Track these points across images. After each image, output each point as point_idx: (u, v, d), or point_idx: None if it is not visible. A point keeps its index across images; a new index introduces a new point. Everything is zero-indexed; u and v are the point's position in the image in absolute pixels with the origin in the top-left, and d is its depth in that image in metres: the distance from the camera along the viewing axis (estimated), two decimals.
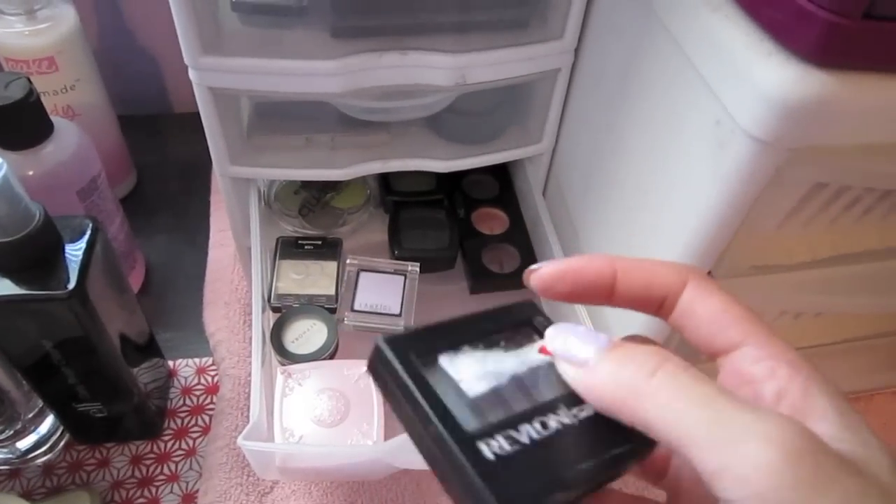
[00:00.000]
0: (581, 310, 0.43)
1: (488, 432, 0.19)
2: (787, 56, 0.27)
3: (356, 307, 0.45)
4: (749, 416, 0.18)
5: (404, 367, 0.20)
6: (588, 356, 0.21)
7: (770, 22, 0.28)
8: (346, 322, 0.45)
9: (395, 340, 0.20)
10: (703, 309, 0.22)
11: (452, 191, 0.53)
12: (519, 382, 0.21)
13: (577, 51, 0.44)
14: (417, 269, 0.47)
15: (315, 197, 0.52)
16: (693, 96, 0.32)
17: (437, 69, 0.41)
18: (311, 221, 0.51)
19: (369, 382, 0.42)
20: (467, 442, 0.19)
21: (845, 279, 0.40)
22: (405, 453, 0.37)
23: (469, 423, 0.19)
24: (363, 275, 0.47)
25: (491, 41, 0.41)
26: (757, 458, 0.17)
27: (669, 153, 0.36)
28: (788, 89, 0.27)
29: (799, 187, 0.32)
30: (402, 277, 0.47)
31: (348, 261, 0.47)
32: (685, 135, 0.34)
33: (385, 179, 0.53)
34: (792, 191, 0.33)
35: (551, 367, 0.21)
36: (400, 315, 0.45)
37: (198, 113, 0.42)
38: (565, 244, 0.48)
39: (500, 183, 0.54)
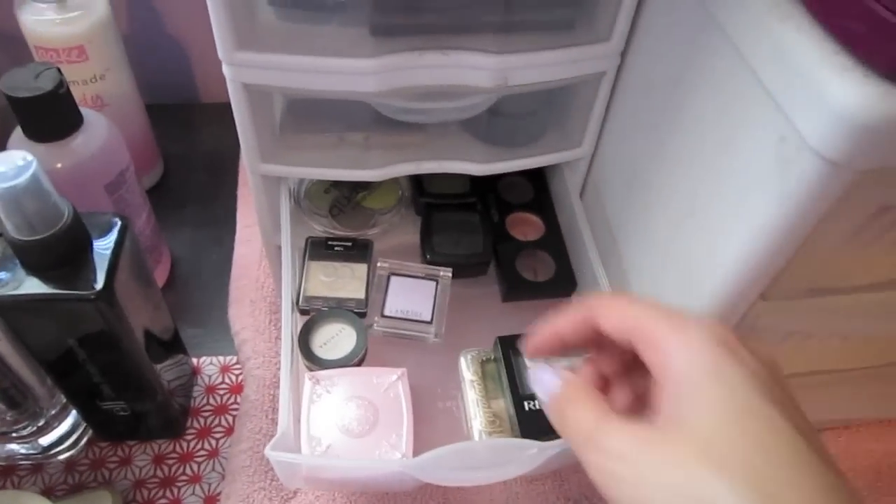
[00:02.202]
0: None
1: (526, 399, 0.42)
2: (865, 72, 0.26)
3: (387, 313, 0.44)
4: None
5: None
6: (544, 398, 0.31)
7: (846, 34, 0.26)
8: (375, 328, 0.44)
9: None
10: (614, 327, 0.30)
11: (486, 194, 0.51)
12: None
13: (623, 54, 0.42)
14: (450, 275, 0.46)
15: (346, 196, 0.51)
16: (755, 110, 0.31)
17: (478, 70, 0.39)
18: (341, 222, 0.50)
19: (399, 392, 0.40)
20: (518, 400, 0.41)
21: None
22: (434, 469, 0.36)
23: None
24: (394, 279, 0.45)
25: (535, 42, 0.40)
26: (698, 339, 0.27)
27: (723, 167, 0.34)
28: (866, 109, 0.25)
29: (864, 210, 0.31)
30: (434, 283, 0.45)
31: (379, 264, 0.46)
32: (743, 150, 0.32)
33: (418, 180, 0.51)
34: (856, 213, 0.31)
35: None
36: (431, 322, 0.44)
37: (226, 103, 0.41)
38: (602, 251, 0.46)
39: (536, 187, 0.53)
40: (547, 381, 0.31)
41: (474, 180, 0.51)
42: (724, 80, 0.33)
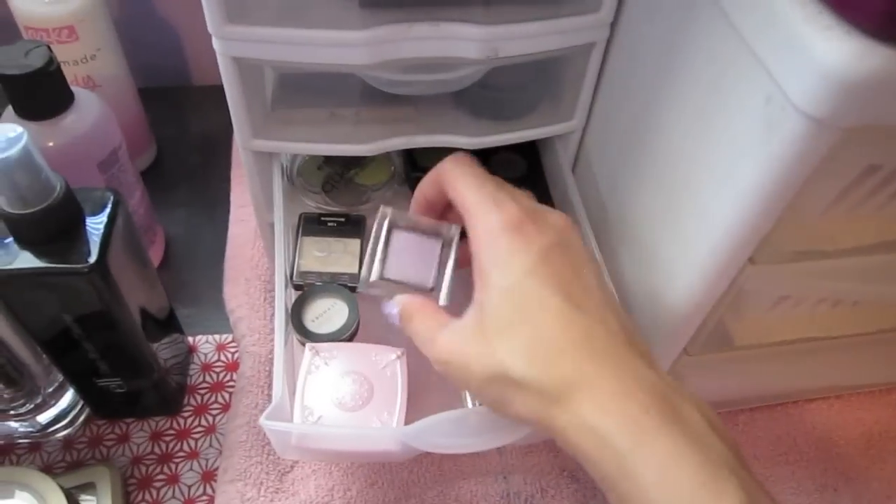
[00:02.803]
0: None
1: None
2: (848, 29, 0.26)
3: (388, 275, 0.37)
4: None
5: None
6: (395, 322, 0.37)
7: None
8: (370, 292, 0.38)
9: None
10: (452, 198, 0.35)
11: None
12: None
13: (613, 24, 0.42)
14: (458, 232, 0.38)
15: (338, 173, 0.51)
16: (741, 72, 0.31)
17: (468, 41, 0.39)
18: (334, 198, 0.50)
19: (396, 370, 0.41)
20: None
21: (888, 267, 0.38)
22: (425, 437, 0.36)
23: None
24: (396, 234, 0.38)
25: (524, 13, 0.40)
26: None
27: (712, 131, 0.34)
28: (849, 65, 0.25)
29: (850, 170, 0.31)
30: (439, 242, 0.38)
31: (381, 209, 0.38)
32: (732, 114, 0.32)
33: (410, 156, 0.51)
34: (842, 174, 0.31)
35: None
36: (432, 290, 0.37)
37: (218, 86, 0.41)
38: (594, 222, 0.46)
39: (529, 162, 0.53)
40: (390, 309, 0.37)
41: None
42: (712, 46, 0.33)
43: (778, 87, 0.28)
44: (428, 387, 0.42)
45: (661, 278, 0.40)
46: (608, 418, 0.28)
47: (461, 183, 0.34)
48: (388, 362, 0.40)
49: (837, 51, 0.26)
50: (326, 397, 0.39)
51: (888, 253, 0.37)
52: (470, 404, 0.40)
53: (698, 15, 0.34)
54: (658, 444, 0.28)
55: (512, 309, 0.31)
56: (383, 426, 0.38)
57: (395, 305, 0.37)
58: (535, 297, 0.31)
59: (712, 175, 0.35)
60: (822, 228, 0.35)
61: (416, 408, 0.39)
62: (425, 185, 0.37)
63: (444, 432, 0.36)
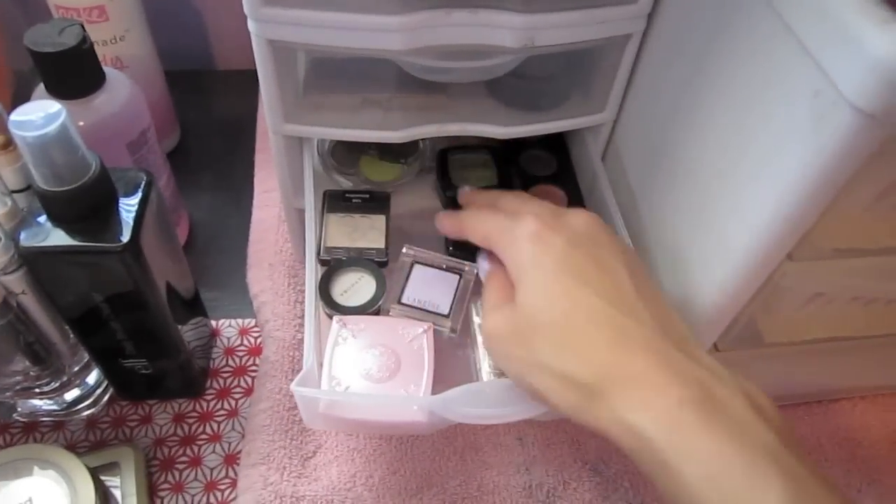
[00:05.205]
0: None
1: None
2: None
3: (404, 300, 0.43)
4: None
5: None
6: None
7: None
8: (391, 315, 0.43)
9: None
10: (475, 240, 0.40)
11: (509, 166, 0.51)
12: None
13: (650, 16, 0.42)
14: (474, 271, 0.44)
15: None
16: (788, 65, 0.30)
17: (505, 29, 0.39)
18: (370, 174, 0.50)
19: (423, 344, 0.40)
20: None
21: None
22: (454, 405, 0.36)
23: None
24: (416, 268, 0.44)
25: (562, 2, 0.39)
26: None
27: (753, 125, 0.34)
28: None
29: None
30: (457, 276, 0.44)
31: (403, 250, 0.45)
32: (775, 106, 0.32)
33: (443, 169, 0.50)
34: (888, 170, 0.31)
35: None
36: (448, 316, 0.42)
37: (241, 70, 0.42)
38: (624, 213, 0.46)
39: (558, 159, 0.52)
40: (482, 266, 0.41)
41: (497, 159, 0.51)
42: (757, 39, 0.33)
43: (828, 81, 0.28)
44: (454, 361, 0.42)
45: (694, 272, 0.40)
46: (643, 414, 0.29)
47: (472, 221, 0.40)
48: (415, 335, 0.40)
49: (893, 44, 0.25)
50: (353, 369, 0.39)
51: None
52: (485, 378, 0.40)
53: (743, 7, 0.34)
54: (694, 438, 0.28)
55: (544, 306, 0.33)
56: (410, 395, 0.38)
57: (485, 261, 0.41)
58: (564, 294, 0.33)
59: (751, 169, 0.34)
60: (863, 225, 0.34)
61: (442, 382, 0.39)
62: (448, 228, 0.43)
63: (473, 402, 0.36)
